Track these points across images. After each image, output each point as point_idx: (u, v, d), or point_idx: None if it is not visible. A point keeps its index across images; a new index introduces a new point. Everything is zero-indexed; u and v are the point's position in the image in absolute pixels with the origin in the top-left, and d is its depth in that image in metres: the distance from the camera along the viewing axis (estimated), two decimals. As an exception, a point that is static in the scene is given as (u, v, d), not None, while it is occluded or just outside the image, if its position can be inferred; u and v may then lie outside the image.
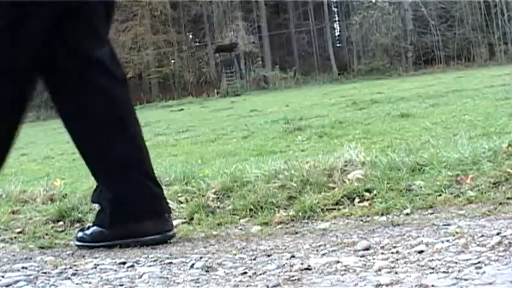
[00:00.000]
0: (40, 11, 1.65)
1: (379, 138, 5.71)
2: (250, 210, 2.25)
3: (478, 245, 1.34)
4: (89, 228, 1.95)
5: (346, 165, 2.49)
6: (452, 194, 2.11)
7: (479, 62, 31.39)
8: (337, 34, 41.39)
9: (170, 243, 1.88)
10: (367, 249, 1.43)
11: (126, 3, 34.35)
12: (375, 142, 5.24)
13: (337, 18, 41.44)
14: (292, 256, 1.44)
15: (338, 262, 1.32)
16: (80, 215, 2.43)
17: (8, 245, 2.13)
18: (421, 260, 1.26)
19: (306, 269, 1.30)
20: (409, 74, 30.07)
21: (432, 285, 1.05)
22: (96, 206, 2.00)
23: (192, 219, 2.28)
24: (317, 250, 1.50)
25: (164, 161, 4.87)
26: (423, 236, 1.51)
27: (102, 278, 1.37)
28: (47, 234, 2.23)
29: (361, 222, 1.93)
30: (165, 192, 2.58)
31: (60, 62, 1.75)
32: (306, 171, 2.45)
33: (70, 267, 1.50)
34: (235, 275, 1.31)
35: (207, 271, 1.37)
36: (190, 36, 40.37)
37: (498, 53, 32.24)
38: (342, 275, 1.22)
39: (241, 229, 2.08)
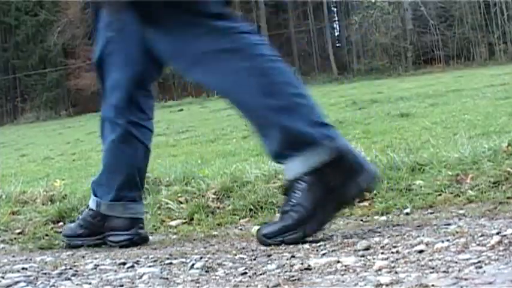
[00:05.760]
0: None
1: (379, 137, 5.71)
2: (250, 210, 2.25)
3: (478, 245, 1.33)
4: None
5: (346, 165, 2.49)
6: (452, 193, 2.11)
7: (478, 61, 31.34)
8: (336, 34, 41.36)
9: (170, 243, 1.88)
10: (367, 249, 1.43)
11: (125, 4, 34.30)
12: (374, 142, 5.24)
13: (336, 18, 41.42)
14: (292, 256, 1.44)
15: (338, 262, 1.31)
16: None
17: (7, 246, 2.13)
18: (421, 260, 1.26)
19: (306, 269, 1.29)
20: (409, 73, 29.97)
21: (432, 285, 1.05)
22: None
23: (192, 219, 2.27)
24: (317, 250, 1.50)
25: (164, 162, 4.87)
26: (423, 235, 1.51)
27: (102, 278, 1.37)
28: (46, 235, 2.22)
29: (361, 222, 1.93)
30: (164, 192, 2.60)
31: None
32: (305, 171, 2.44)
33: (70, 268, 1.50)
34: (235, 275, 1.31)
35: (207, 271, 1.37)
36: (190, 36, 40.33)
37: (498, 52, 32.21)
38: (342, 275, 1.22)
39: (241, 229, 2.08)
